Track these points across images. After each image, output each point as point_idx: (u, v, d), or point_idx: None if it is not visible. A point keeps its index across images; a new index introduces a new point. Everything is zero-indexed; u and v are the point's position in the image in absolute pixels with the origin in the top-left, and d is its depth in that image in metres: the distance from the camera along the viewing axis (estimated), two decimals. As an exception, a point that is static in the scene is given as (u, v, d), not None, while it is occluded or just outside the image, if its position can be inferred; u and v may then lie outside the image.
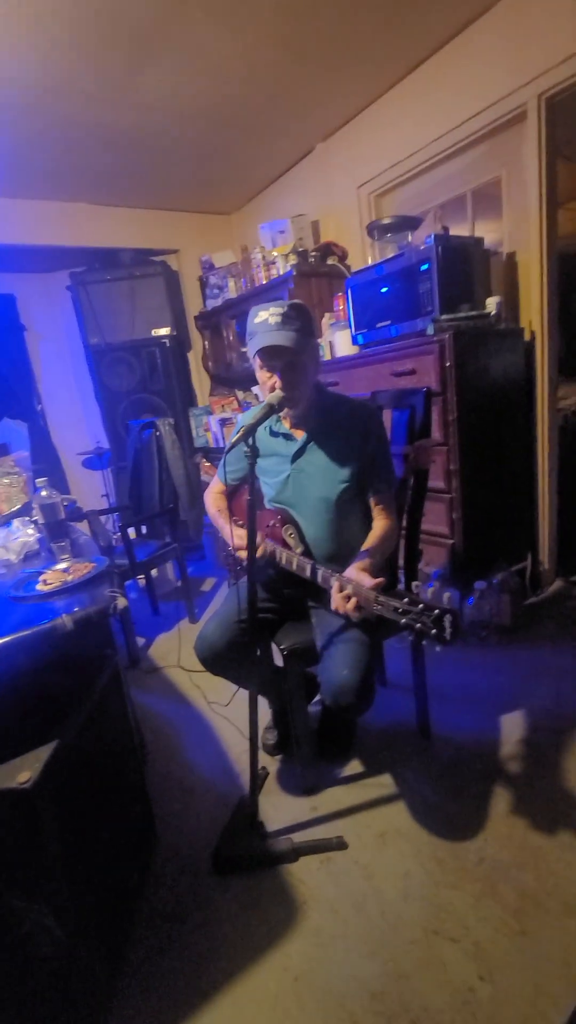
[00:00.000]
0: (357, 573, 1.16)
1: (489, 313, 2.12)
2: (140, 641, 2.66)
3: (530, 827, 1.35)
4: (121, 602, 1.08)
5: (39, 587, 1.18)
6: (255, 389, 3.50)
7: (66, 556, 1.41)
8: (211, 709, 2.02)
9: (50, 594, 1.15)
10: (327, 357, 2.70)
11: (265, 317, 1.26)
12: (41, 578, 1.22)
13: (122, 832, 1.24)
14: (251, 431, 1.15)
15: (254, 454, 1.16)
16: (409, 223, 2.37)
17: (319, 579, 1.25)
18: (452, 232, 2.24)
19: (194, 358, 4.00)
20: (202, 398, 4.05)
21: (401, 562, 1.62)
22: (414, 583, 1.61)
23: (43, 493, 1.49)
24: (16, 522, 1.64)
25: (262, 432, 1.46)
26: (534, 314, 2.27)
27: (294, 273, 2.78)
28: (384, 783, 1.56)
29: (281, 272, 2.88)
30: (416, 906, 1.20)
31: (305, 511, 1.43)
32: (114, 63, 2.06)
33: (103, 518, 2.67)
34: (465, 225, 2.52)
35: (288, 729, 1.61)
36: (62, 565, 1.30)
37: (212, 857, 1.36)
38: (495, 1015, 0.99)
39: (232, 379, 3.76)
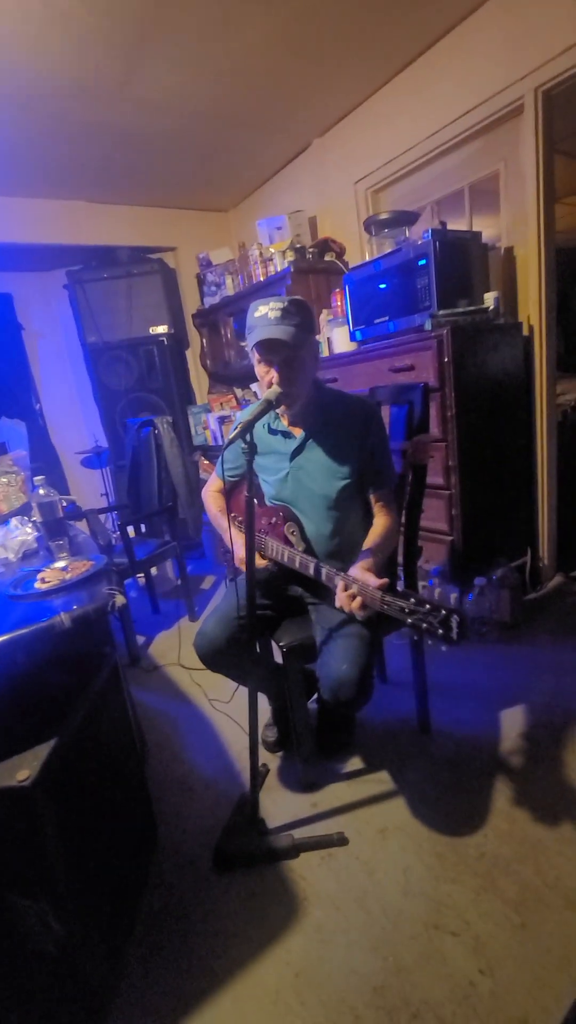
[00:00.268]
0: (362, 573, 1.16)
1: (487, 308, 2.11)
2: (140, 639, 2.66)
3: (530, 822, 1.35)
4: (119, 600, 1.08)
5: (37, 585, 1.18)
6: (254, 386, 3.49)
7: (64, 554, 1.41)
8: (211, 706, 2.03)
9: (48, 592, 1.15)
10: (325, 353, 2.69)
11: (265, 312, 1.26)
12: (39, 576, 1.22)
13: (122, 829, 1.24)
14: (249, 427, 1.14)
15: (252, 450, 1.15)
16: (406, 218, 2.36)
17: (323, 577, 1.24)
18: (450, 227, 2.23)
19: (192, 356, 3.99)
20: (200, 396, 4.04)
21: (400, 559, 1.62)
22: (421, 584, 1.61)
23: (41, 492, 1.49)
24: (14, 521, 1.64)
25: (261, 430, 1.46)
26: (532, 309, 2.27)
27: (292, 270, 2.78)
28: (384, 779, 1.57)
29: (279, 269, 2.87)
30: (417, 901, 1.20)
31: (305, 508, 1.43)
32: (110, 60, 2.05)
33: (102, 517, 2.67)
34: (463, 220, 2.51)
35: (288, 726, 1.61)
36: (60, 563, 1.30)
37: (213, 854, 1.36)
38: (496, 1008, 0.99)
39: (230, 377, 3.75)
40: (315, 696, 1.68)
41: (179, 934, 1.21)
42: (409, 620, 0.99)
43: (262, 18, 1.95)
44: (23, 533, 1.55)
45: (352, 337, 2.52)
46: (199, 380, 4.04)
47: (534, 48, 1.96)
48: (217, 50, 2.09)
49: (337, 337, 2.66)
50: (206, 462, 3.65)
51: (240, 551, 1.38)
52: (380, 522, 1.40)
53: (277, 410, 1.39)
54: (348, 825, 1.42)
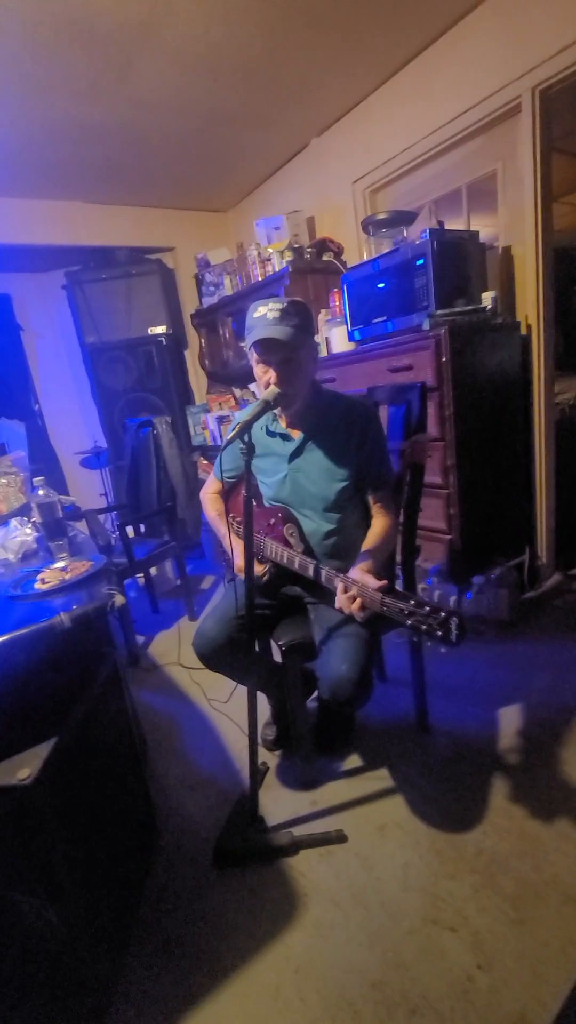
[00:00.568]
0: (361, 575, 1.17)
1: (485, 308, 2.12)
2: (140, 639, 2.67)
3: (528, 818, 1.36)
4: (119, 600, 1.09)
5: (37, 586, 1.19)
6: (252, 386, 3.50)
7: (64, 555, 1.41)
8: (211, 706, 2.03)
9: (48, 593, 1.15)
10: (323, 353, 2.70)
11: (264, 312, 1.27)
12: (39, 577, 1.23)
13: (123, 827, 1.25)
14: (247, 427, 1.15)
15: (250, 450, 1.16)
16: (404, 218, 2.37)
17: (322, 579, 1.25)
18: (448, 227, 2.24)
19: (191, 356, 3.99)
20: (199, 396, 4.04)
21: (399, 558, 1.63)
22: (419, 585, 1.62)
23: (41, 492, 1.49)
24: (14, 521, 1.65)
25: (259, 432, 1.46)
26: (530, 308, 2.27)
27: (290, 269, 2.78)
28: (383, 777, 1.58)
29: (277, 269, 2.88)
30: (415, 897, 1.21)
31: (304, 510, 1.44)
32: (107, 59, 2.06)
33: (101, 517, 2.68)
34: (460, 219, 2.52)
35: (287, 724, 1.62)
36: (60, 564, 1.31)
37: (213, 851, 1.37)
38: (494, 1003, 1.00)
39: (229, 376, 3.76)
40: (314, 695, 1.68)
41: (180, 930, 1.21)
42: (409, 622, 1.00)
43: (259, 17, 1.95)
44: (23, 534, 1.55)
45: (350, 337, 2.53)
46: (198, 380, 4.04)
47: (531, 48, 1.97)
48: (214, 49, 2.10)
49: (335, 337, 2.67)
50: (205, 462, 3.65)
51: (239, 560, 1.38)
52: (379, 523, 1.40)
53: (275, 411, 1.39)
54: (347, 822, 1.43)
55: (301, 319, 1.28)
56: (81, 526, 2.31)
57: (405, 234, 2.35)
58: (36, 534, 1.57)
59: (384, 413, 1.68)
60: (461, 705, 1.83)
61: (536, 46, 1.95)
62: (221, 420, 3.47)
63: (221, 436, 3.48)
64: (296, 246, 2.87)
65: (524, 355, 2.30)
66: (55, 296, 3.87)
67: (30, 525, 1.62)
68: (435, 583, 2.26)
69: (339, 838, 1.37)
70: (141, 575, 2.92)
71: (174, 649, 2.48)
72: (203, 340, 3.82)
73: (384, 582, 1.11)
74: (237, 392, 3.73)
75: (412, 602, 1.02)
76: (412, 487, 1.57)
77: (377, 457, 1.41)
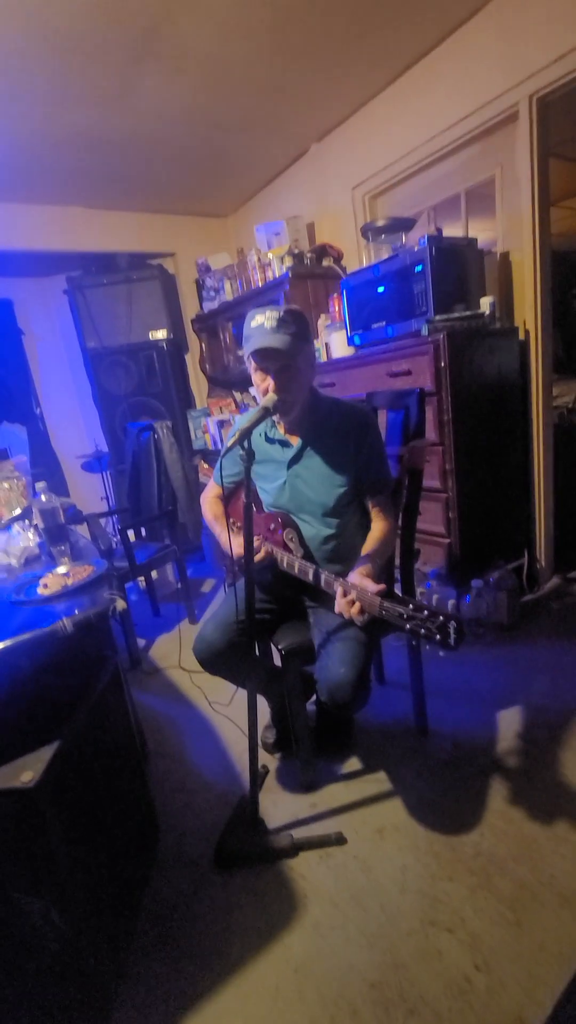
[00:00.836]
0: (360, 579, 1.18)
1: (483, 313, 2.14)
2: (141, 642, 2.68)
3: (526, 821, 1.37)
4: (120, 604, 1.10)
5: (40, 591, 1.20)
6: (252, 390, 3.52)
7: (66, 560, 1.43)
8: (211, 709, 2.05)
9: (50, 598, 1.17)
10: (323, 358, 2.72)
11: (261, 321, 1.28)
12: (42, 582, 1.24)
13: (125, 829, 1.26)
14: (246, 434, 1.17)
15: (250, 457, 1.18)
16: (403, 224, 2.39)
17: (322, 583, 1.27)
18: (446, 232, 2.26)
19: (191, 360, 4.01)
20: (200, 400, 4.06)
21: (397, 561, 1.64)
22: (419, 589, 1.63)
23: (43, 498, 1.51)
24: (16, 526, 1.67)
25: (258, 438, 1.48)
26: (528, 313, 2.29)
27: (290, 275, 2.80)
28: (382, 779, 1.59)
29: (277, 274, 2.90)
30: (413, 898, 1.22)
31: (303, 515, 1.45)
32: (109, 70, 2.08)
33: (102, 520, 2.69)
34: (459, 224, 2.54)
35: (287, 727, 1.63)
36: (62, 569, 1.32)
37: (214, 853, 1.38)
38: (491, 1004, 1.01)
39: (230, 381, 3.78)
40: (314, 698, 1.70)
41: (181, 931, 1.23)
42: (408, 626, 1.01)
43: (259, 25, 1.97)
44: (25, 539, 1.57)
45: (350, 342, 2.54)
46: (198, 384, 4.06)
47: (529, 56, 1.99)
48: (214, 57, 2.12)
49: (335, 342, 2.69)
50: (205, 466, 3.67)
51: (240, 549, 1.40)
52: (378, 527, 1.42)
53: (274, 418, 1.41)
54: (346, 825, 1.44)
55: (298, 327, 1.30)
56: (82, 530, 2.32)
57: (404, 240, 2.37)
58: (38, 539, 1.58)
59: (383, 418, 1.70)
60: (460, 708, 1.84)
61: (533, 54, 1.98)
62: (222, 424, 3.49)
63: (222, 440, 3.50)
64: (296, 251, 2.90)
65: (522, 359, 2.31)
66: (57, 301, 3.90)
67: (32, 530, 1.64)
68: (434, 586, 2.27)
69: (338, 840, 1.38)
70: (142, 578, 2.93)
71: (175, 652, 2.49)
72: (204, 344, 3.85)
73: (383, 586, 1.13)
74: (238, 396, 3.75)
75: (411, 606, 1.03)
76: (410, 492, 1.58)
77: (375, 463, 1.42)
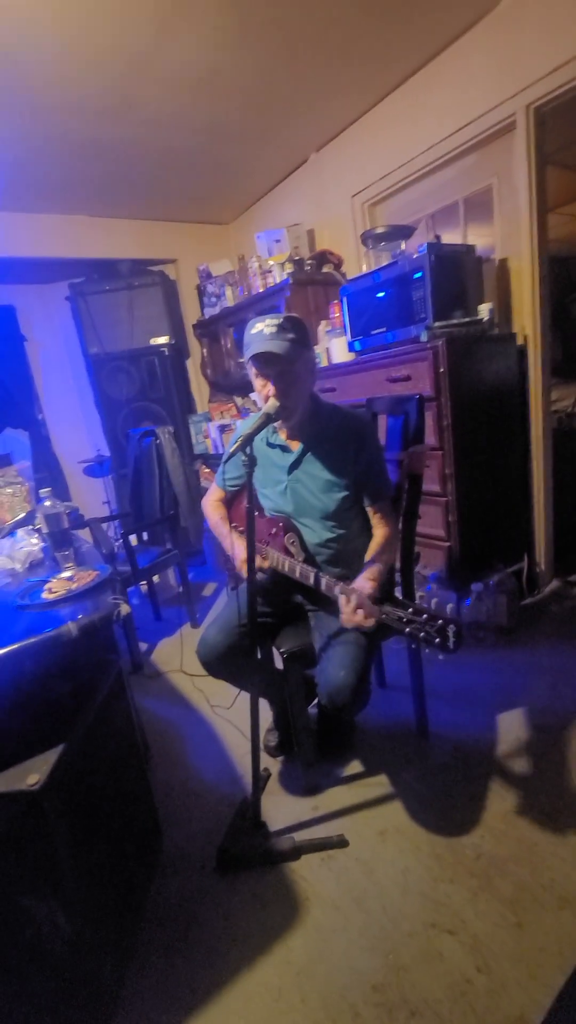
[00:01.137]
0: (363, 582, 1.19)
1: (482, 319, 2.16)
2: (143, 646, 2.69)
3: (526, 823, 1.38)
4: (124, 609, 1.12)
5: (44, 595, 1.21)
6: (253, 395, 3.54)
7: (70, 564, 1.44)
8: (213, 712, 2.06)
9: (55, 602, 1.18)
10: (324, 363, 2.74)
11: (261, 328, 1.30)
12: (46, 587, 1.26)
13: (128, 832, 1.27)
14: (249, 440, 1.18)
15: (252, 463, 1.19)
16: (402, 232, 2.41)
17: (323, 588, 1.28)
18: (445, 239, 2.28)
19: (193, 366, 4.04)
20: (201, 405, 4.09)
21: (398, 565, 1.65)
22: (419, 593, 1.64)
23: (47, 503, 1.52)
24: (20, 531, 1.68)
25: (259, 443, 1.50)
26: (527, 319, 2.31)
27: (290, 281, 2.83)
28: (383, 782, 1.59)
29: (277, 280, 2.93)
30: (415, 901, 1.23)
31: (305, 520, 1.47)
32: (111, 81, 2.11)
33: (105, 525, 2.71)
34: (457, 232, 2.56)
35: (289, 731, 1.64)
36: (66, 573, 1.33)
37: (216, 856, 1.39)
38: (492, 1005, 1.02)
39: (231, 385, 3.80)
40: (315, 701, 1.70)
41: (184, 933, 1.23)
42: (407, 629, 1.03)
43: (258, 41, 2.01)
44: (29, 544, 1.58)
45: (350, 347, 2.56)
46: (200, 389, 4.09)
47: (525, 67, 2.02)
48: (216, 73, 2.15)
49: (335, 347, 2.71)
50: (207, 470, 3.69)
51: (242, 554, 1.41)
52: (379, 534, 1.43)
53: (275, 424, 1.43)
54: (348, 827, 1.44)
55: (297, 333, 1.31)
56: (84, 534, 2.34)
57: (403, 247, 2.39)
58: (42, 544, 1.60)
59: (383, 424, 1.72)
60: (460, 711, 1.85)
61: (530, 66, 2.00)
62: (223, 428, 3.51)
63: (223, 444, 3.52)
64: (296, 258, 2.92)
65: (521, 365, 2.33)
66: (59, 307, 3.92)
67: (36, 535, 1.65)
68: (434, 589, 2.28)
69: (340, 843, 1.39)
70: (144, 583, 2.94)
71: (177, 656, 2.50)
72: (205, 350, 3.87)
73: (375, 584, 1.14)
74: (239, 401, 3.77)
75: (410, 609, 1.05)
76: (410, 496, 1.60)
77: (375, 469, 1.44)
